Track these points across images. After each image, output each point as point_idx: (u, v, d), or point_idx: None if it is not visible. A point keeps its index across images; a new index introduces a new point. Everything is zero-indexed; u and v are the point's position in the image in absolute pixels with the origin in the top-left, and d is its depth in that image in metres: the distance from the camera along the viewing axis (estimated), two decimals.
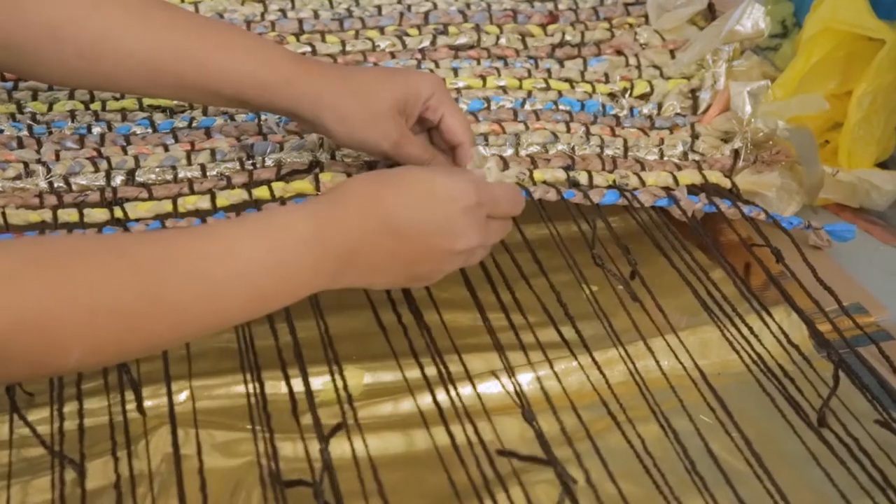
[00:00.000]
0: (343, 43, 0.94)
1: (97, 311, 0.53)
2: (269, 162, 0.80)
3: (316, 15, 0.97)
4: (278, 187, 0.77)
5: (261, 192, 0.77)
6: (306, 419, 0.64)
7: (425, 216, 0.62)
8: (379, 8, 0.99)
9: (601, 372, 0.69)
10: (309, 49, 0.93)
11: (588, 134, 0.87)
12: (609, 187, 0.82)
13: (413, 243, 0.62)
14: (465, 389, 0.68)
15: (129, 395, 0.66)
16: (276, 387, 0.68)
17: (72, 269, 0.53)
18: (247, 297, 0.58)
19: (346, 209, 0.61)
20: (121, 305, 0.54)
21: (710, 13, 0.99)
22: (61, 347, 0.53)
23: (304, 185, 0.78)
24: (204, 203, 0.76)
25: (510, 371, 0.69)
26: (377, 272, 0.63)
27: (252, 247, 0.58)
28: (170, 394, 0.66)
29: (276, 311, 0.63)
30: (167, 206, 0.76)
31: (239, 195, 0.77)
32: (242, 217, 0.58)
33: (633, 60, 0.95)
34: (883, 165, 0.95)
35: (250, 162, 0.80)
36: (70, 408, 0.65)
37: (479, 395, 0.68)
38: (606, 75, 0.94)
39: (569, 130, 0.87)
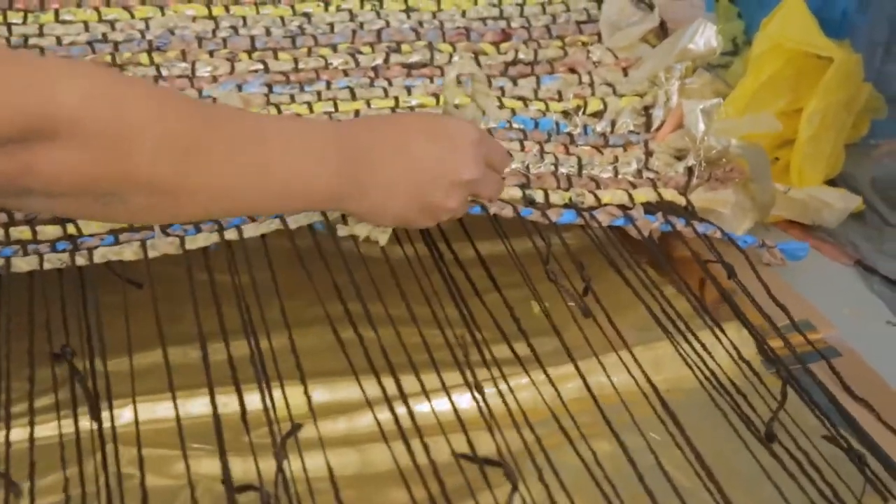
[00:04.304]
0: (296, 60, 0.93)
1: (165, 105, 0.56)
2: None
3: (268, 32, 0.96)
4: None
5: None
6: (254, 436, 0.63)
7: (436, 146, 0.69)
8: (331, 25, 0.98)
9: (554, 387, 0.69)
10: (261, 66, 0.92)
11: (542, 152, 0.87)
12: (565, 206, 0.82)
13: (424, 166, 0.69)
14: (403, 409, 0.67)
15: (77, 412, 0.66)
16: (225, 405, 0.66)
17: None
18: (287, 177, 0.64)
19: (368, 126, 0.69)
20: (185, 117, 0.57)
21: (663, 31, 1.00)
22: (134, 126, 0.54)
23: None
24: None
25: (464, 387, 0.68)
26: (392, 192, 0.68)
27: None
28: (138, 412, 0.66)
29: None
30: None
31: None
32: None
33: (586, 78, 0.96)
34: (832, 183, 0.96)
35: None
36: (21, 422, 0.64)
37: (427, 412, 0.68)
38: (560, 93, 0.94)
39: (523, 149, 0.87)
